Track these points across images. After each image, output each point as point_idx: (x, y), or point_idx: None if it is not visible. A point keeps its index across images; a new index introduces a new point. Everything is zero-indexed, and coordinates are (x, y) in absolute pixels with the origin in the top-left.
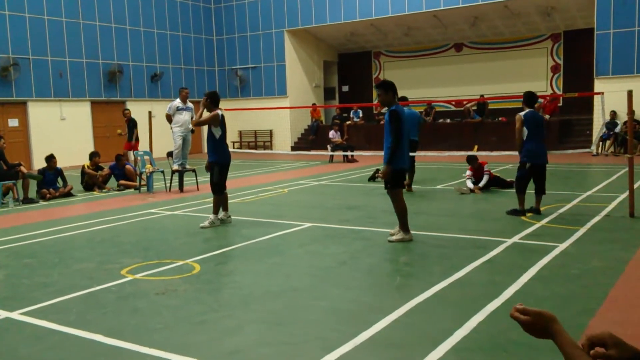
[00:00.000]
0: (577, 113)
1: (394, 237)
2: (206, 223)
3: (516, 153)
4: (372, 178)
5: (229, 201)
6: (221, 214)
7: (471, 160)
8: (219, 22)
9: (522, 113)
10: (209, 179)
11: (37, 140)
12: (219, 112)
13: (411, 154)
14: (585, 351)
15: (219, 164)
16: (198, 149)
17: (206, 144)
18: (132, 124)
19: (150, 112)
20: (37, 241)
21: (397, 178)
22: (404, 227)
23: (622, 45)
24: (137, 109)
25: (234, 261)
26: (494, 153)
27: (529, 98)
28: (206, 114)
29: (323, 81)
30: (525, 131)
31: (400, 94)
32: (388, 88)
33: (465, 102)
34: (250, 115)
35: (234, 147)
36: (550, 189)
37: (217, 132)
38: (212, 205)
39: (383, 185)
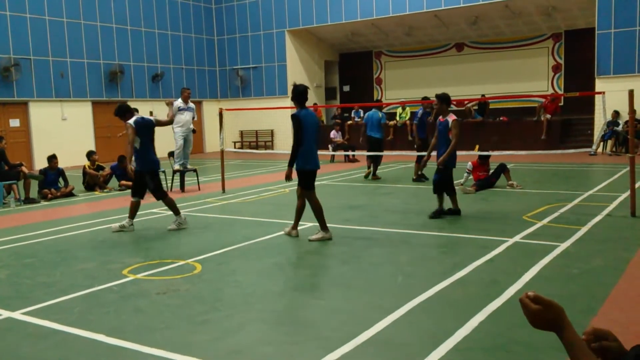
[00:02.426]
0: (578, 113)
1: (314, 236)
2: (173, 226)
3: (520, 153)
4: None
5: (232, 201)
6: (175, 219)
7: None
8: (220, 22)
9: (454, 116)
10: (210, 178)
11: (39, 141)
12: (132, 122)
13: (377, 153)
14: (588, 342)
15: (143, 172)
16: (199, 149)
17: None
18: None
19: (151, 112)
20: (38, 241)
21: (307, 179)
22: (323, 226)
23: (623, 45)
24: (139, 110)
25: (236, 261)
26: (495, 153)
27: (449, 100)
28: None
29: (324, 81)
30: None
31: (401, 93)
32: (294, 93)
33: (466, 102)
34: (252, 115)
35: (235, 147)
36: (551, 188)
37: (137, 142)
38: (212, 205)
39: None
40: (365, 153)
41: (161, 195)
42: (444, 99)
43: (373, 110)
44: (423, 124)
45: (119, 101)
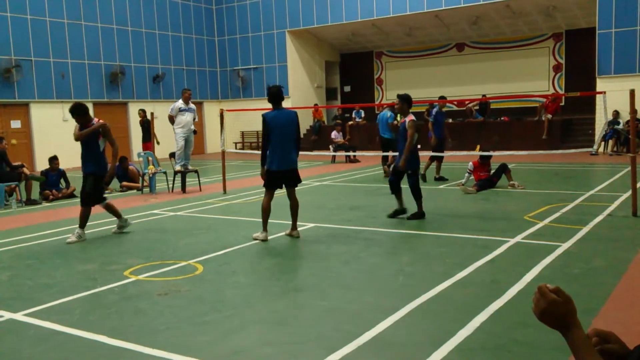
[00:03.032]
0: (579, 112)
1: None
2: (73, 238)
3: (521, 153)
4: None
5: (234, 202)
6: (118, 222)
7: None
8: (221, 23)
9: (412, 117)
10: (211, 179)
11: (40, 142)
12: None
13: (389, 153)
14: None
15: (95, 175)
16: (200, 150)
17: (83, 153)
18: (147, 125)
19: (152, 113)
20: (40, 242)
21: (267, 179)
22: (264, 227)
23: (624, 45)
24: (146, 110)
25: (237, 261)
26: (496, 153)
27: (410, 100)
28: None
29: (325, 81)
30: (416, 136)
31: (402, 93)
32: (267, 94)
33: (467, 102)
34: (253, 116)
35: (236, 148)
36: (552, 188)
37: (103, 144)
38: (213, 205)
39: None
40: (364, 153)
41: (89, 203)
42: (405, 99)
43: (384, 110)
44: (439, 123)
45: (120, 102)
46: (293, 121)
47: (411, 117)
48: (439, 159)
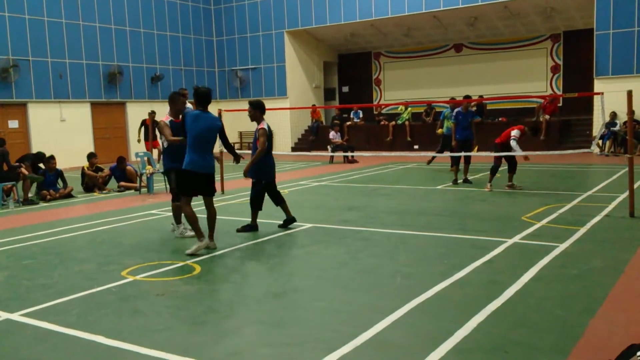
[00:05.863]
0: (577, 113)
1: (189, 250)
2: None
3: (519, 153)
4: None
5: (232, 202)
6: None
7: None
8: (219, 23)
9: (264, 125)
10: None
11: (37, 142)
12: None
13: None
14: None
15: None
16: None
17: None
18: (155, 125)
19: (151, 113)
20: (37, 242)
21: (184, 181)
22: (197, 233)
23: (621, 46)
24: (138, 111)
25: (235, 262)
26: (494, 154)
27: (262, 106)
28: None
29: (323, 82)
30: (267, 144)
31: (400, 94)
32: (198, 94)
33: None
34: None
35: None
36: (550, 189)
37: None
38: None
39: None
40: (362, 154)
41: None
42: (256, 106)
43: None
44: (462, 124)
45: (118, 102)
46: (216, 128)
47: (263, 125)
48: (466, 161)
